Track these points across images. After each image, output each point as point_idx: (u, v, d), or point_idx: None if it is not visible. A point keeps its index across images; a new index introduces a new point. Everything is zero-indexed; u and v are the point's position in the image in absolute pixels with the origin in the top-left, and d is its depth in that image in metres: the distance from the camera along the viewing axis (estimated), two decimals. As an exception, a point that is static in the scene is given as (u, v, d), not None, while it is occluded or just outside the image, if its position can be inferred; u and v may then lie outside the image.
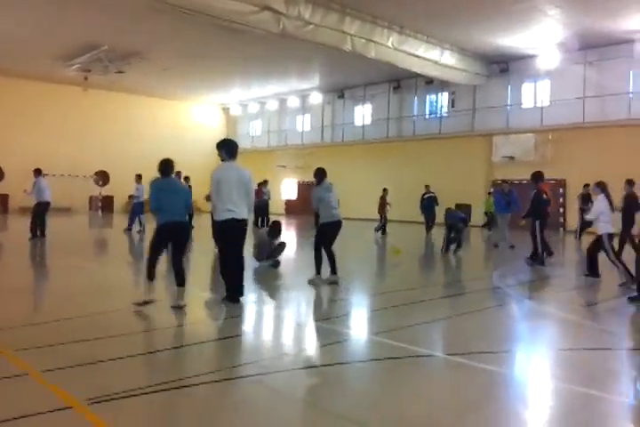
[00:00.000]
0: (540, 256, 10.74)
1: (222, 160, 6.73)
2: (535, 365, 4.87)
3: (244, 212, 6.59)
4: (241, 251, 6.80)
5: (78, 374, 4.13)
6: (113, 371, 4.27)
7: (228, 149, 6.71)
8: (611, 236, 8.62)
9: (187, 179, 15.15)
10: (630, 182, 10.70)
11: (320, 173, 8.41)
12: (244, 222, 6.63)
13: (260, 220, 20.12)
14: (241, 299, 6.67)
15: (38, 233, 13.61)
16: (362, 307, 7.25)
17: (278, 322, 6.27)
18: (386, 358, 4.74)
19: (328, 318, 6.34)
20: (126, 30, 20.01)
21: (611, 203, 8.74)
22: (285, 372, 4.33)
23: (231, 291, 6.68)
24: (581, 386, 4.12)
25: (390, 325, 5.95)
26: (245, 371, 4.29)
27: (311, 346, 5.33)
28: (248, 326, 6.07)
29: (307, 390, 4.09)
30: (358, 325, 6.23)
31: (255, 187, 20.68)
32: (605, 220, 8.57)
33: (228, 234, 6.63)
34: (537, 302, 7.56)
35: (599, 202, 8.75)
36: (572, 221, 21.52)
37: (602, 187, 8.94)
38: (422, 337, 5.59)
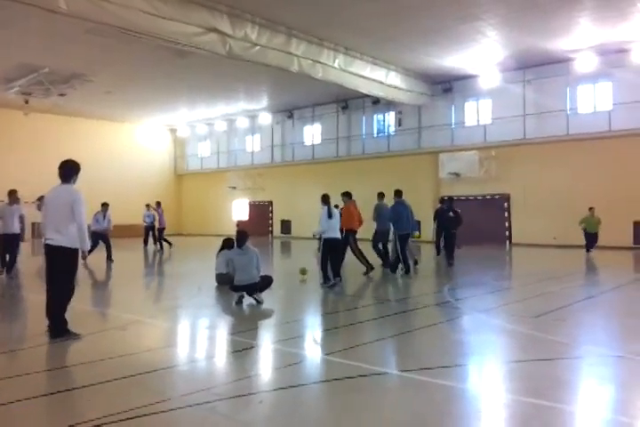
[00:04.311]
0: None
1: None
2: (487, 378, 4.92)
3: (61, 238, 6.07)
4: (61, 281, 6.17)
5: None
6: (60, 402, 4.07)
7: (60, 170, 6.27)
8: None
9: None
10: (380, 195, 13.56)
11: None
12: (60, 250, 6.09)
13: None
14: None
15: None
16: (315, 327, 7.19)
17: (229, 346, 6.13)
18: (341, 378, 4.68)
19: (281, 339, 6.25)
20: (67, 52, 19.60)
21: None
22: (239, 398, 4.22)
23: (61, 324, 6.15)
24: (532, 397, 4.17)
25: (344, 344, 5.93)
26: (198, 399, 4.15)
27: (265, 369, 5.23)
28: (200, 352, 5.92)
29: (261, 415, 3.99)
30: (312, 345, 6.16)
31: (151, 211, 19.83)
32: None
33: (48, 261, 6.22)
34: (486, 314, 7.67)
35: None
36: (518, 234, 22.17)
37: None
38: (376, 355, 5.58)
